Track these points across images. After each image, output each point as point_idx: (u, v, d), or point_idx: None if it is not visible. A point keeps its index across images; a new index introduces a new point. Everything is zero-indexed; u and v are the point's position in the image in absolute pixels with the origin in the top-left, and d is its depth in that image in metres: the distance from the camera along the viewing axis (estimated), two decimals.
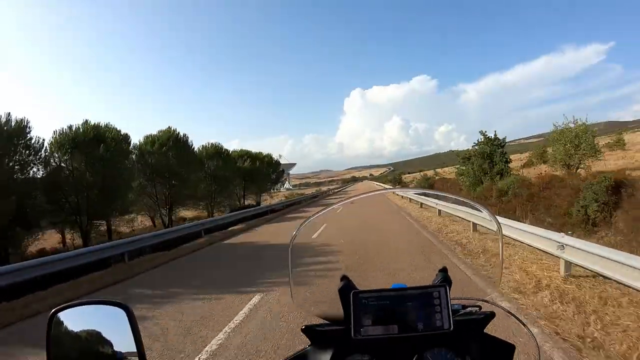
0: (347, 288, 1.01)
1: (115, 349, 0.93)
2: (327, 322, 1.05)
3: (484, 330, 1.03)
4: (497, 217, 1.36)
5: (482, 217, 8.82)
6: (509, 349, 0.99)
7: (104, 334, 0.94)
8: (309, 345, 1.03)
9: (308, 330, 1.03)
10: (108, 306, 0.96)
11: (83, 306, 0.97)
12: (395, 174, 73.35)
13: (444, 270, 1.07)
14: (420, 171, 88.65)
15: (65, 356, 0.93)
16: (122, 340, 0.92)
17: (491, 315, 1.04)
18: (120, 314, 0.93)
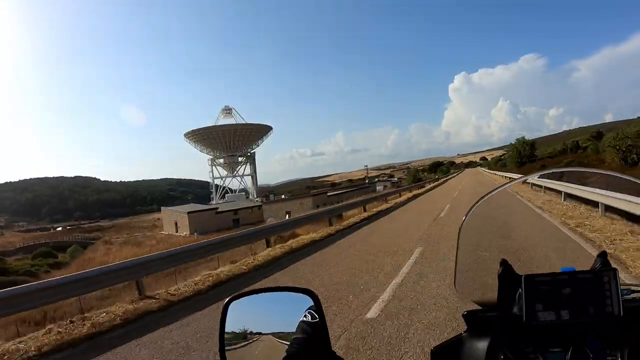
0: (508, 273, 1.04)
1: (296, 337, 0.91)
2: (480, 307, 1.08)
3: None
4: None
5: None
6: None
7: (284, 322, 0.93)
8: (464, 332, 1.05)
9: (469, 316, 1.05)
10: (291, 293, 0.97)
11: (262, 294, 1.00)
12: None
13: (602, 255, 1.07)
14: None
15: (240, 344, 0.94)
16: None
17: None
18: (304, 300, 0.94)
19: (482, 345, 0.97)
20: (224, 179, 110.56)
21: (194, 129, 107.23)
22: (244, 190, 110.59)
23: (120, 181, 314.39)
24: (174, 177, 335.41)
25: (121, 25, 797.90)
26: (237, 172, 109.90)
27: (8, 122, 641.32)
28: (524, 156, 49.65)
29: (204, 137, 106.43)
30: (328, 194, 71.80)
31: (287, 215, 64.09)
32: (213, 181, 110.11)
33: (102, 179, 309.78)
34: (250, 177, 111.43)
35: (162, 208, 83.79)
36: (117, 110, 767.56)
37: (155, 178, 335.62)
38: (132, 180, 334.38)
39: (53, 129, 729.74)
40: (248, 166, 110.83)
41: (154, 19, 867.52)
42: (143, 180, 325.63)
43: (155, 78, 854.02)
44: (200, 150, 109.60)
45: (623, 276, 0.98)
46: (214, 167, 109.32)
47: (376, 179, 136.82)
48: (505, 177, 36.33)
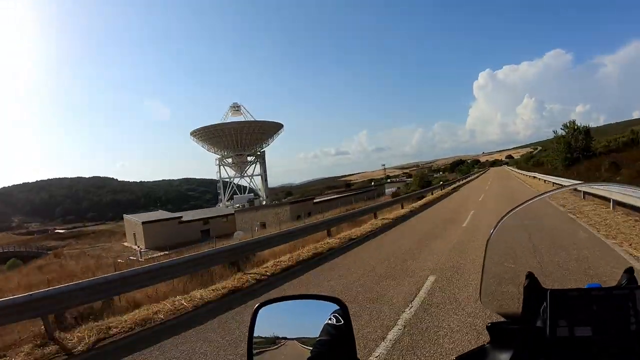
0: (534, 286, 1.02)
1: (320, 339, 0.92)
2: (505, 319, 1.06)
3: None
4: None
5: None
6: None
7: (311, 327, 0.93)
8: (487, 343, 1.02)
9: (493, 328, 1.02)
10: (319, 301, 0.98)
11: (290, 301, 1.01)
12: None
13: (629, 271, 1.04)
14: None
15: (267, 348, 0.95)
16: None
17: None
18: (332, 308, 0.94)
19: (505, 357, 0.95)
20: (232, 179, 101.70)
21: (201, 126, 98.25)
22: (253, 191, 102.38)
23: (140, 181, 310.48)
24: (196, 177, 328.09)
25: (143, 24, 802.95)
26: (246, 172, 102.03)
27: (32, 124, 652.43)
28: (576, 149, 33.51)
29: (210, 136, 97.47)
30: (314, 200, 57.77)
31: (257, 229, 50.77)
32: (221, 182, 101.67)
33: (125, 179, 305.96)
34: (260, 177, 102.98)
35: (125, 216, 70.85)
36: (140, 110, 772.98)
37: (175, 178, 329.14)
38: (151, 180, 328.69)
39: (75, 129, 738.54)
40: (258, 166, 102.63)
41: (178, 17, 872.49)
42: (163, 180, 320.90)
43: (181, 76, 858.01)
44: (208, 150, 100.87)
45: None
46: (222, 167, 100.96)
47: (389, 180, 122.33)
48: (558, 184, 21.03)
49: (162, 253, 46.30)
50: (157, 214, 67.34)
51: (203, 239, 54.62)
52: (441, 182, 40.32)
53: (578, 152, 33.60)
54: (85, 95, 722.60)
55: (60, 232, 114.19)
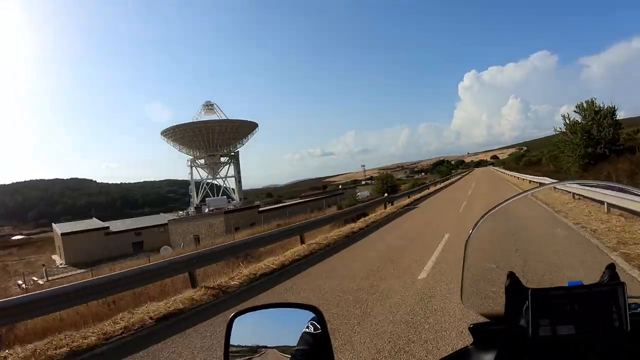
0: (516, 286, 1.01)
1: (298, 348, 0.91)
2: (488, 320, 1.06)
3: None
4: None
5: None
6: None
7: (288, 336, 0.92)
8: (470, 344, 1.01)
9: (475, 329, 1.01)
10: (295, 309, 0.97)
11: (266, 309, 1.01)
12: None
13: (611, 268, 1.02)
14: None
15: (244, 358, 0.93)
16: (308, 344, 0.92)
17: None
18: (308, 316, 0.94)
19: (488, 358, 0.94)
20: (204, 181, 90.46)
21: (172, 125, 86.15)
22: (227, 193, 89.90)
23: (121, 183, 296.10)
24: (178, 178, 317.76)
25: (123, 26, 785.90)
26: (219, 173, 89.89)
27: (13, 123, 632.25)
28: (600, 142, 22.72)
29: (181, 135, 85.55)
30: (260, 208, 48.09)
31: (182, 245, 40.62)
32: (193, 184, 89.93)
33: (107, 181, 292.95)
34: (233, 178, 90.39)
35: (53, 225, 60.18)
36: (133, 111, 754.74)
37: (157, 179, 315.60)
38: (132, 182, 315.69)
39: (62, 129, 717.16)
40: (232, 167, 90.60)
41: (159, 20, 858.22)
42: (145, 181, 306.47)
43: (173, 76, 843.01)
44: (180, 150, 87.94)
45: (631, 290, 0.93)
46: (194, 168, 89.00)
47: (363, 182, 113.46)
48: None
49: (70, 273, 36.99)
50: (86, 222, 56.81)
51: (135, 253, 44.98)
52: (386, 194, 26.21)
53: (603, 146, 22.85)
54: (82, 95, 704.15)
55: (9, 240, 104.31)
